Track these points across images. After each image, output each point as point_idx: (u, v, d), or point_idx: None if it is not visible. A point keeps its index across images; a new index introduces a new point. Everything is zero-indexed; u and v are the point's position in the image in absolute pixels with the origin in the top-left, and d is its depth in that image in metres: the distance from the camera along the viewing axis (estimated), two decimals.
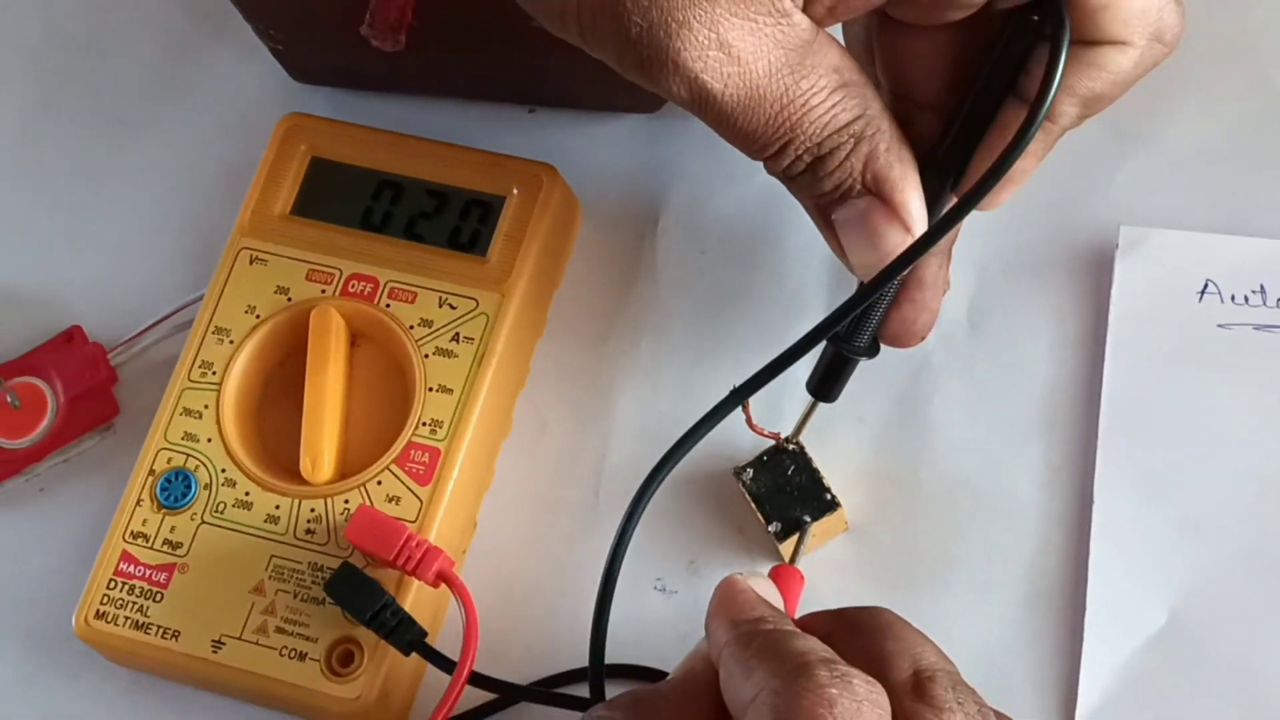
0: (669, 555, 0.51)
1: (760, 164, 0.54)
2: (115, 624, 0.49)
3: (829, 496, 0.50)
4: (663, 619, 0.50)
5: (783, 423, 0.51)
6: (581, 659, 0.46)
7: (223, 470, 0.51)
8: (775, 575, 0.48)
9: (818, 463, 0.50)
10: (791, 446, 0.50)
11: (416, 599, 0.49)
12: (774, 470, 0.50)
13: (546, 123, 0.58)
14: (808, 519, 0.49)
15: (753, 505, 0.50)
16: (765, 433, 0.50)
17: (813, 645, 0.39)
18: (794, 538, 0.50)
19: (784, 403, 0.52)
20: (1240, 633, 0.48)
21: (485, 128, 0.58)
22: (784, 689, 0.37)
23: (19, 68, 0.62)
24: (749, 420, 0.49)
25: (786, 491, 0.50)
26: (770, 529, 0.49)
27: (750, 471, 0.50)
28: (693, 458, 0.49)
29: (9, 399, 0.55)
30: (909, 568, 0.50)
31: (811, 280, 0.54)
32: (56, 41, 0.62)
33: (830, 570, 0.50)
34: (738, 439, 0.50)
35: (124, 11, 0.62)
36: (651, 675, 0.49)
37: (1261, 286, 0.51)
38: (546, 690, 0.49)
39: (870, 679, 0.38)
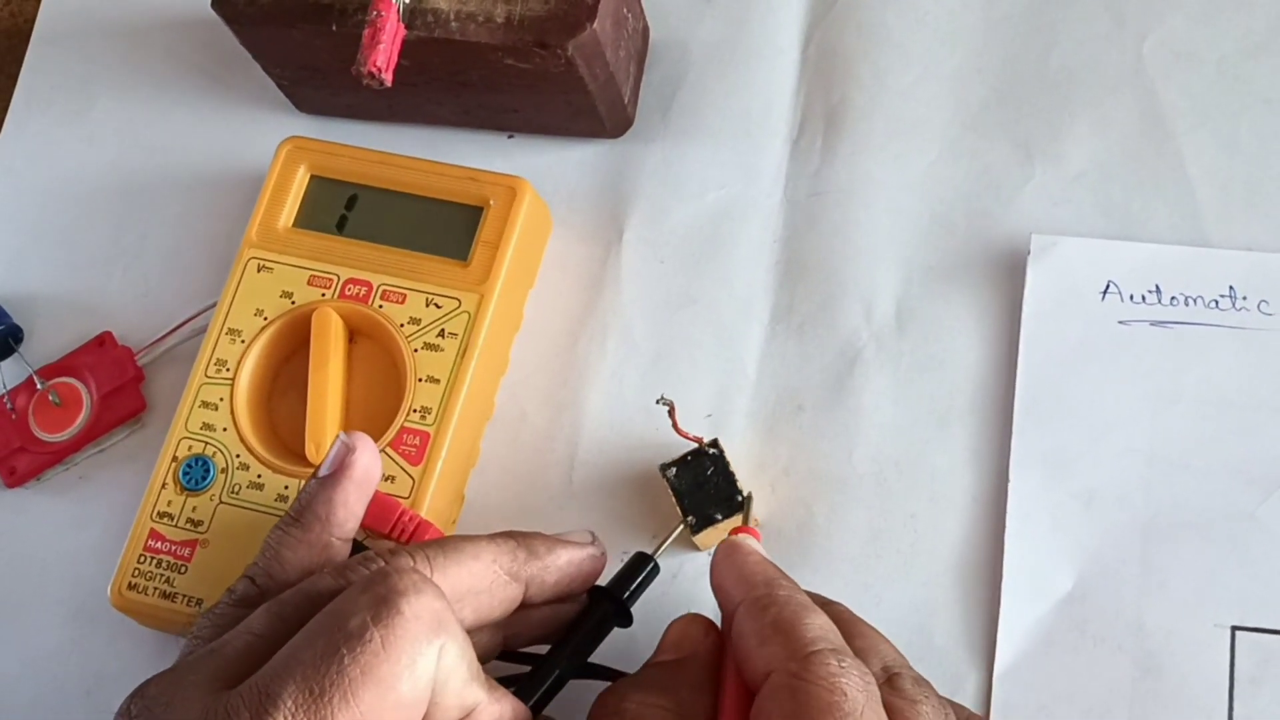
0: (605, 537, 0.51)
1: (709, 184, 0.58)
2: (145, 594, 0.52)
3: (739, 498, 0.52)
4: None
5: (707, 426, 0.55)
6: None
7: (237, 456, 0.53)
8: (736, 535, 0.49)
9: (734, 466, 0.52)
10: (712, 450, 0.52)
11: None
12: (695, 469, 0.52)
13: (524, 148, 0.60)
14: (719, 516, 0.51)
15: (674, 499, 0.52)
16: (689, 436, 0.52)
17: (825, 628, 0.42)
18: (708, 528, 0.51)
19: (687, 415, 0.53)
20: (1135, 593, 0.50)
21: (470, 152, 0.60)
22: (801, 672, 0.40)
23: (69, 108, 0.64)
24: (675, 425, 0.52)
25: (704, 490, 0.52)
26: (687, 520, 0.51)
27: (675, 469, 0.52)
28: (608, 479, 0.54)
29: (50, 397, 0.58)
30: (844, 539, 0.53)
31: (759, 286, 0.57)
32: (102, 79, 0.65)
33: (774, 541, 0.53)
34: (650, 457, 0.54)
35: (158, 55, 0.65)
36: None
37: (1157, 287, 0.54)
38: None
39: (866, 671, 0.41)
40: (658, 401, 0.52)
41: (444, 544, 0.45)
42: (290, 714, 0.38)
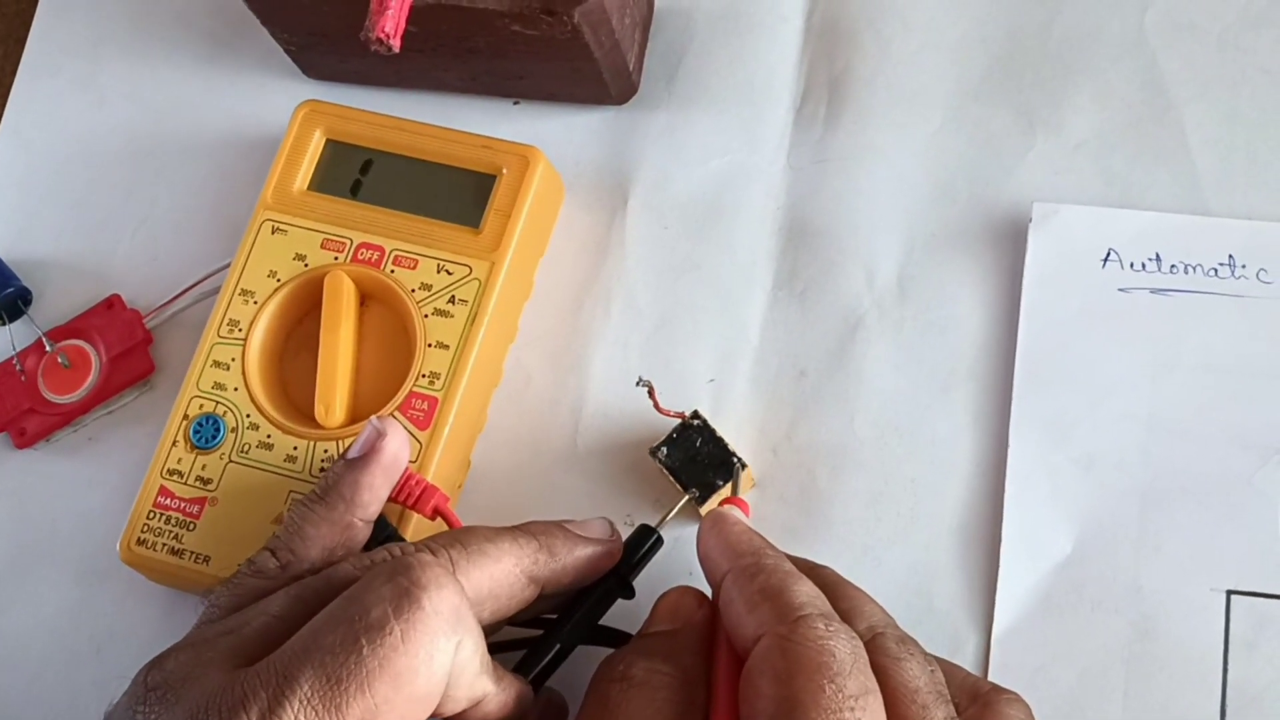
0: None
1: (713, 151, 0.58)
2: (154, 550, 0.52)
3: (735, 461, 0.52)
4: None
5: (687, 399, 0.54)
6: None
7: (248, 415, 0.53)
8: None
9: (721, 432, 0.52)
10: (696, 422, 0.52)
11: (416, 530, 0.51)
12: (685, 444, 0.52)
13: (530, 114, 0.60)
14: (720, 483, 0.51)
15: (670, 479, 0.52)
16: (671, 413, 0.52)
17: (811, 594, 0.43)
18: (712, 496, 0.51)
19: (689, 380, 0.55)
20: (1132, 557, 0.51)
21: (476, 118, 0.59)
22: (790, 635, 0.40)
23: (78, 72, 0.64)
24: (656, 404, 0.52)
25: (699, 461, 0.52)
26: (691, 493, 0.51)
27: (665, 449, 0.52)
28: (613, 444, 0.54)
29: (59, 359, 0.58)
30: (846, 503, 0.53)
31: (761, 253, 0.57)
32: (111, 43, 0.64)
33: (775, 505, 0.53)
34: (653, 420, 0.53)
35: (166, 20, 0.64)
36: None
37: (1157, 254, 0.54)
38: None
39: (854, 635, 0.41)
40: (637, 384, 0.52)
41: (466, 543, 0.45)
42: (306, 699, 0.39)
